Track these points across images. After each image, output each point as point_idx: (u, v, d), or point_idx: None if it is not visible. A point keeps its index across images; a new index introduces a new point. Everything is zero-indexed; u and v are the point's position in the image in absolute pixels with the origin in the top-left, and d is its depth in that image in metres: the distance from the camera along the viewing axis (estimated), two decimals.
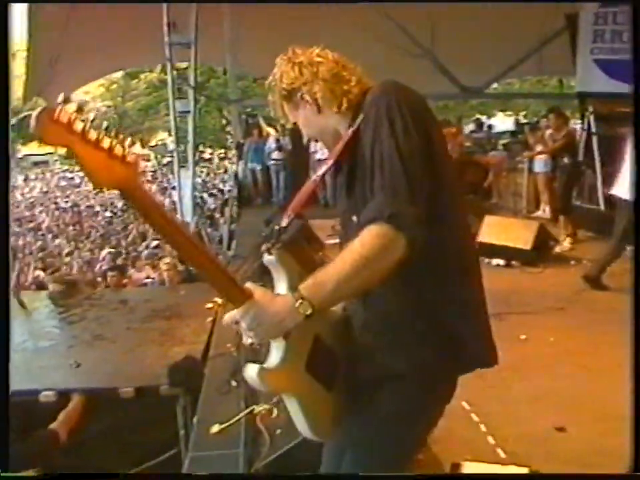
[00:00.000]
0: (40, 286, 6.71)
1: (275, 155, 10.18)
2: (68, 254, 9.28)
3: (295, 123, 1.45)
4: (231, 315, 1.19)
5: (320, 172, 1.39)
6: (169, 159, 17.39)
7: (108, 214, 13.47)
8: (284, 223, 1.34)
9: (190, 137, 10.88)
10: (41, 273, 7.89)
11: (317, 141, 1.48)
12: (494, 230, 5.88)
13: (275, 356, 1.24)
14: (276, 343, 1.24)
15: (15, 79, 20.54)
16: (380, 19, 10.03)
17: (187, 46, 10.09)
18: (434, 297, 1.31)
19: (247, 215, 9.58)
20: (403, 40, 10.61)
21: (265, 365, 1.23)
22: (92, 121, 0.97)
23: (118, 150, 0.99)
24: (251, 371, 1.20)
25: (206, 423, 2.87)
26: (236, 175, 11.45)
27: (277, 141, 10.16)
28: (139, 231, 10.51)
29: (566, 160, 6.52)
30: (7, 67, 1.15)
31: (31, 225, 12.79)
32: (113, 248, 9.18)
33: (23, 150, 27.40)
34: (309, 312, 1.15)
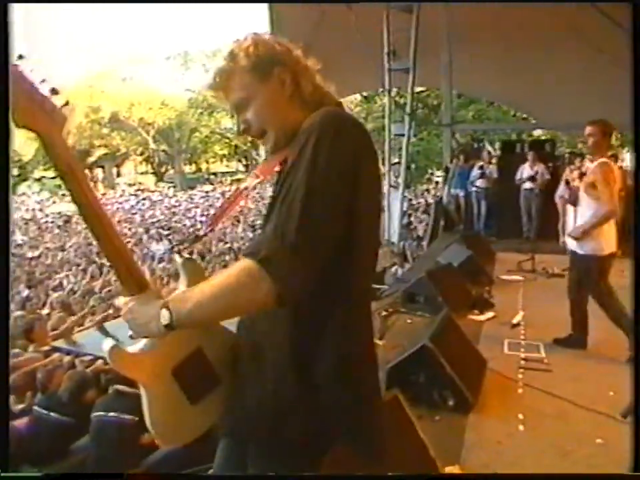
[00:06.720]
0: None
1: (479, 182, 9.85)
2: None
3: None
4: (118, 301, 1.22)
5: (245, 184, 1.36)
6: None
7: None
8: (202, 232, 1.43)
9: (402, 159, 11.14)
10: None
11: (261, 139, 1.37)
12: None
13: (139, 344, 1.24)
14: None
15: None
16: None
17: (405, 72, 10.41)
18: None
19: (444, 239, 9.37)
20: None
21: (120, 345, 1.21)
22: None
23: (49, 103, 1.09)
24: (105, 345, 1.20)
25: None
26: (440, 199, 11.36)
27: (481, 167, 9.81)
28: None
29: None
30: (7, 66, 1.12)
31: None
32: None
33: None
34: (165, 322, 1.13)
